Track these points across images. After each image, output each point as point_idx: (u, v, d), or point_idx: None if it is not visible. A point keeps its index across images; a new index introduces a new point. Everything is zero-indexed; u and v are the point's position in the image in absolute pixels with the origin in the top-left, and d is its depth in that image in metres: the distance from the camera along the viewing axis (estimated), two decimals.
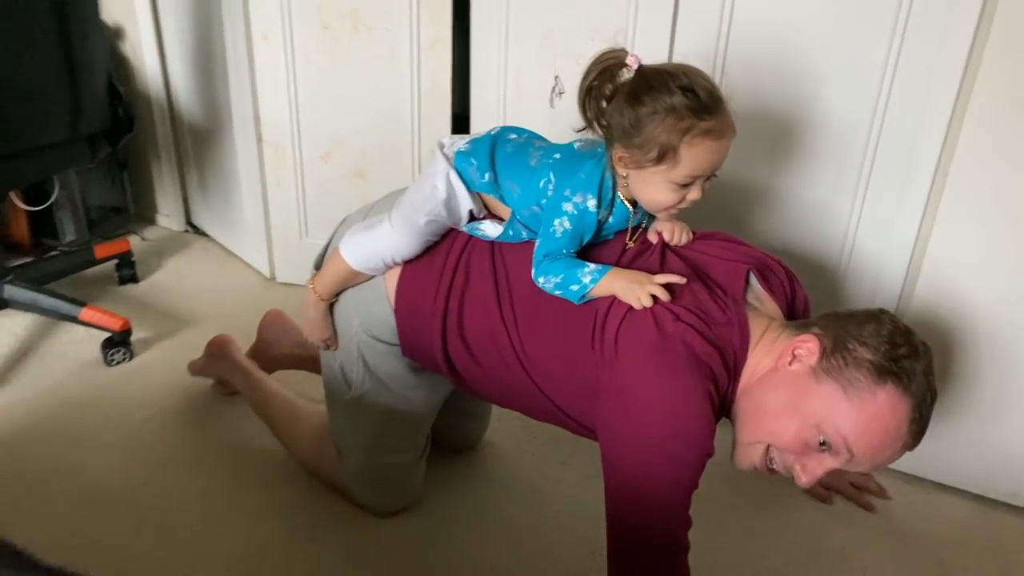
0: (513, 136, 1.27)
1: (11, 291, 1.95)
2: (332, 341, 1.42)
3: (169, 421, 1.76)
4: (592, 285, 1.16)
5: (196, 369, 1.83)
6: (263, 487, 1.59)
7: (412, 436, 1.48)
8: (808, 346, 1.10)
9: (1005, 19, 1.35)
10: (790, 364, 1.11)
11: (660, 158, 1.08)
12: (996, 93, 1.38)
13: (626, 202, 1.19)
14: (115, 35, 2.33)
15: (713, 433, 1.09)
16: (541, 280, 1.19)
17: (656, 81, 1.07)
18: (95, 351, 1.93)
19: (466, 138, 1.29)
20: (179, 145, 2.45)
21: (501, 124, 1.35)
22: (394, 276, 1.34)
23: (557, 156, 1.20)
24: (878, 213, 1.57)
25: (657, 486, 1.10)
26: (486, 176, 1.23)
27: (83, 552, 1.41)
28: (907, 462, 1.66)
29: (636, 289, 1.14)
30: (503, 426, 1.76)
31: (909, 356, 1.07)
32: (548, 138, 1.38)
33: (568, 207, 1.16)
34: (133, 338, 1.96)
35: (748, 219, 1.72)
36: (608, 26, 1.68)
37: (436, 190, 1.24)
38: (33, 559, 0.79)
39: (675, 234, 1.26)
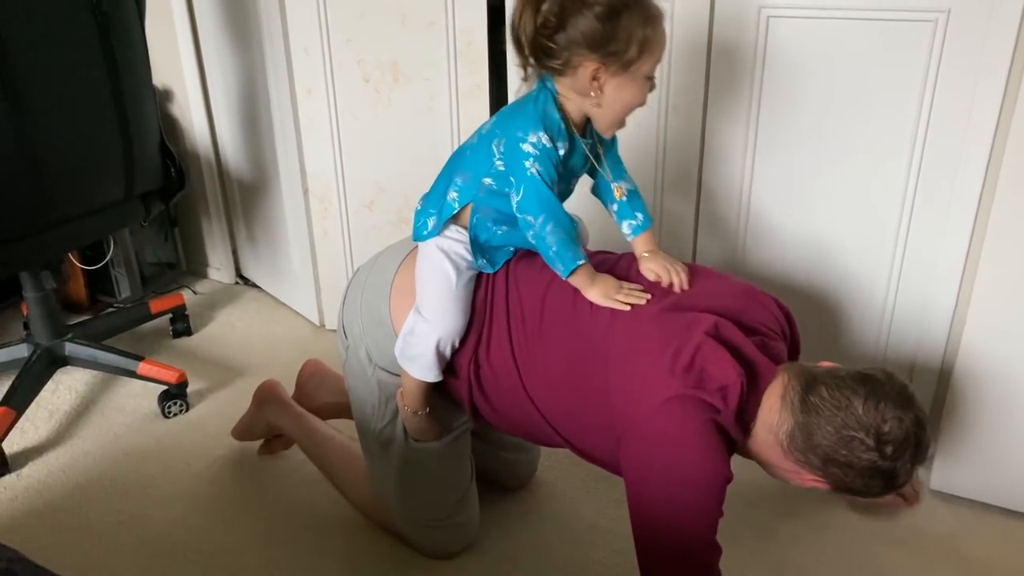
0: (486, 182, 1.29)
1: (71, 348, 2.01)
2: (440, 434, 1.44)
3: (226, 470, 1.78)
4: (581, 262, 1.23)
5: (243, 427, 1.82)
6: (320, 532, 1.60)
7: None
8: (819, 485, 1.18)
9: None
10: (807, 484, 1.19)
11: (641, 50, 1.16)
12: None
13: (574, 128, 1.24)
14: (164, 97, 2.41)
15: (726, 458, 1.15)
16: (540, 223, 1.21)
17: None
18: (152, 404, 1.98)
19: (450, 226, 1.32)
20: (227, 200, 2.52)
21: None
22: (400, 311, 1.37)
23: (493, 120, 1.28)
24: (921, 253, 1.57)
25: (680, 515, 1.15)
26: (480, 261, 1.32)
27: None
28: (972, 488, 1.63)
29: (613, 295, 1.23)
30: (556, 464, 1.76)
31: (904, 468, 1.12)
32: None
33: (527, 147, 1.21)
34: (189, 390, 2.00)
35: (784, 264, 1.72)
36: None
37: (449, 279, 1.30)
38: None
39: (672, 275, 1.28)
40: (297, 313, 2.42)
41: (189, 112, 2.40)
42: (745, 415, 1.16)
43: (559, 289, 1.29)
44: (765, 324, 1.24)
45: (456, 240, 1.31)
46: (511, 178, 1.23)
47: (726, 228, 1.76)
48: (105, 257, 2.29)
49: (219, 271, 2.62)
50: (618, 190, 1.35)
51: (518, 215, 1.23)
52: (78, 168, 1.74)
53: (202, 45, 2.32)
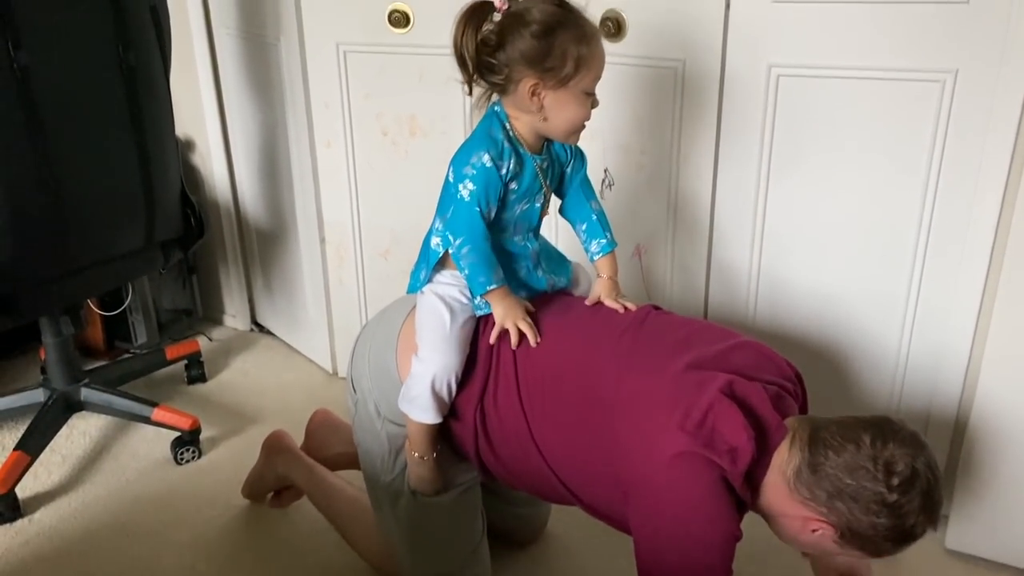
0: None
1: (87, 393, 2.03)
2: (441, 489, 1.43)
3: (237, 517, 1.78)
4: (492, 287, 1.28)
5: (252, 480, 1.81)
6: None
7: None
8: (825, 531, 1.14)
9: None
10: (813, 532, 1.15)
11: (577, 67, 1.21)
12: None
13: (524, 145, 1.28)
14: (186, 147, 2.46)
15: (734, 517, 1.14)
16: (458, 244, 1.26)
17: (537, 9, 1.22)
18: (165, 450, 1.98)
19: (448, 278, 1.35)
20: (245, 248, 2.56)
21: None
22: (406, 363, 1.38)
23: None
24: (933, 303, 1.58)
25: (689, 573, 1.14)
26: (478, 300, 1.35)
27: None
28: (988, 548, 1.61)
29: (511, 318, 1.30)
30: (566, 518, 1.75)
31: (911, 508, 1.09)
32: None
33: (468, 170, 1.25)
34: (201, 436, 2.01)
35: (794, 320, 1.73)
36: (655, 119, 1.74)
37: (443, 320, 1.32)
38: None
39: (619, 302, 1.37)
40: (311, 361, 2.43)
41: (210, 162, 2.45)
42: (754, 477, 1.15)
43: (571, 336, 1.30)
44: (778, 381, 1.24)
45: (449, 284, 1.34)
46: (450, 192, 1.28)
47: (737, 280, 1.77)
48: (123, 303, 2.32)
49: (235, 318, 2.65)
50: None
51: (443, 230, 1.29)
52: (101, 216, 1.78)
53: (224, 98, 2.37)
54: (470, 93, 1.30)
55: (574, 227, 1.45)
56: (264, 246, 2.49)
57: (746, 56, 1.61)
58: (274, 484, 1.78)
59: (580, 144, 1.73)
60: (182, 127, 2.18)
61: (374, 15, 1.93)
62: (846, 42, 1.51)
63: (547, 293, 1.40)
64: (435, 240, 1.34)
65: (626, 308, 1.36)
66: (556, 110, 1.25)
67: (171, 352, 2.30)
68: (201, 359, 2.34)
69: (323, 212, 2.18)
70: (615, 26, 1.70)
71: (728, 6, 1.59)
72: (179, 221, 1.97)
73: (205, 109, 2.39)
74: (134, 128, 1.78)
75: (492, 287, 1.28)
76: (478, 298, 1.33)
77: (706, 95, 1.67)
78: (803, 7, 1.53)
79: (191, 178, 2.47)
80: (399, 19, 1.90)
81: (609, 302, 1.37)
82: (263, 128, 2.31)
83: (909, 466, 1.08)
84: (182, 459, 1.97)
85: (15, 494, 1.79)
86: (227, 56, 2.31)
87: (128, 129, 1.77)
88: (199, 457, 1.98)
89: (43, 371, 2.12)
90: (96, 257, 1.81)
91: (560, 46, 1.21)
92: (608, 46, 1.68)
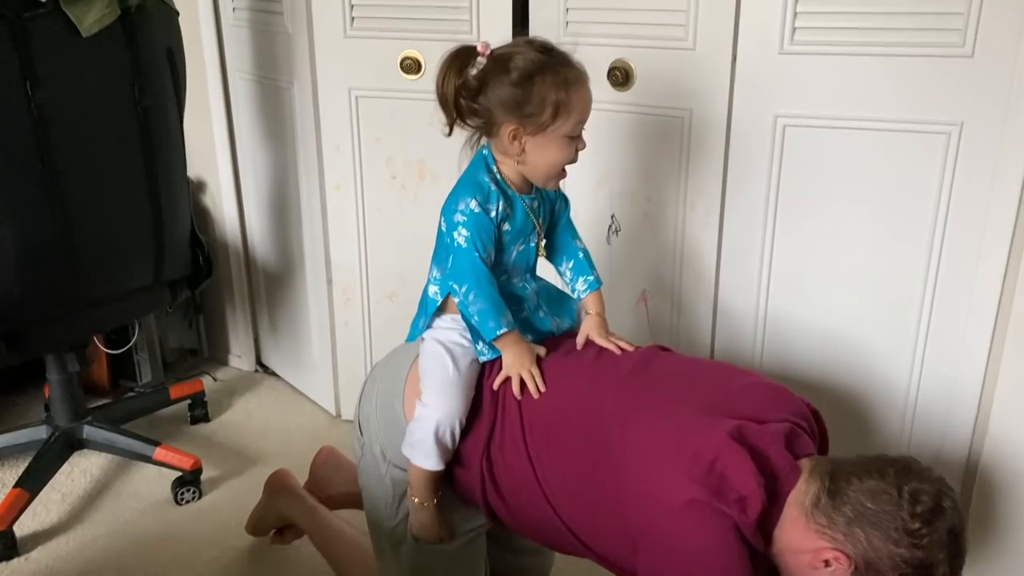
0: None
1: (90, 431, 2.02)
2: (447, 536, 1.41)
3: (236, 560, 1.76)
4: (503, 330, 1.26)
5: (255, 519, 1.81)
6: None
7: None
8: (840, 565, 1.10)
9: None
10: (826, 567, 1.11)
11: (555, 114, 1.21)
12: None
13: (512, 186, 1.29)
14: (198, 188, 2.49)
15: (747, 568, 1.11)
16: (464, 291, 1.26)
17: (521, 56, 1.22)
18: (166, 490, 1.97)
19: (448, 323, 1.35)
20: (252, 289, 2.56)
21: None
22: (413, 407, 1.36)
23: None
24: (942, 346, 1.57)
25: None
26: (479, 346, 1.32)
27: None
28: None
29: (517, 367, 1.29)
30: (569, 566, 1.72)
31: (934, 541, 1.06)
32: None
33: (458, 217, 1.25)
34: (203, 477, 1.99)
35: (802, 359, 1.72)
36: (662, 167, 1.76)
37: (446, 365, 1.31)
38: None
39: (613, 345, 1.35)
40: (314, 403, 2.42)
41: (221, 203, 2.47)
42: (767, 524, 1.13)
43: (576, 380, 1.29)
44: (792, 419, 1.22)
45: (449, 328, 1.34)
46: (445, 242, 1.28)
47: (744, 327, 1.77)
48: (129, 341, 2.32)
49: (240, 359, 2.65)
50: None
51: (443, 279, 1.29)
52: (110, 253, 1.79)
53: (237, 140, 2.41)
54: (450, 134, 1.30)
55: (559, 267, 1.45)
56: (271, 287, 2.50)
57: (752, 106, 1.63)
58: (276, 523, 1.78)
59: (587, 191, 1.76)
60: (194, 168, 2.21)
61: (386, 61, 1.96)
62: (852, 93, 1.53)
63: (553, 335, 1.40)
64: (433, 289, 1.34)
65: (621, 348, 1.35)
66: (536, 154, 1.26)
67: (175, 391, 2.30)
68: (205, 399, 2.34)
69: (331, 254, 2.20)
70: (623, 75, 1.72)
71: (735, 57, 1.62)
72: (188, 260, 1.99)
73: (217, 151, 2.42)
74: (146, 168, 1.80)
75: (503, 331, 1.27)
76: (480, 344, 1.32)
77: (712, 144, 1.69)
78: (809, 59, 1.55)
79: (201, 218, 2.49)
80: (411, 66, 1.94)
81: (601, 341, 1.36)
82: (274, 170, 2.33)
83: (934, 500, 1.06)
84: (182, 499, 1.95)
85: (13, 532, 1.77)
86: (240, 99, 2.34)
87: (140, 169, 1.79)
88: (199, 498, 1.97)
89: (47, 408, 2.12)
90: (104, 294, 1.82)
91: (539, 93, 1.21)
92: (616, 95, 1.73)
